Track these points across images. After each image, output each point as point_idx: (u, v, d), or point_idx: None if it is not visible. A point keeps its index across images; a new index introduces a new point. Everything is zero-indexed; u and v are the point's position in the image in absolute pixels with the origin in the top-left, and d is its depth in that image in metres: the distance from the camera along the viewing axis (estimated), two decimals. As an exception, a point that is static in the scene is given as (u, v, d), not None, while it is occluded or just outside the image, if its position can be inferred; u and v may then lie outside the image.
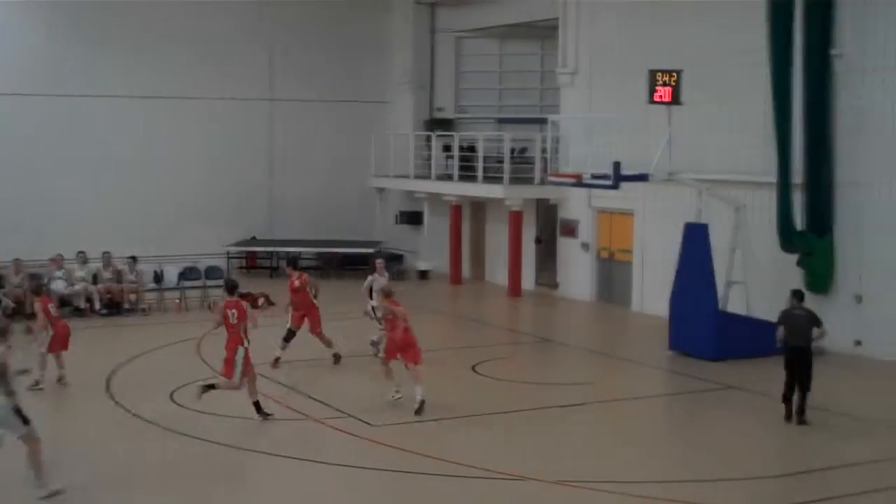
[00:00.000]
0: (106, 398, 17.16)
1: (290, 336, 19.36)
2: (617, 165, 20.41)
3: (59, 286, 24.61)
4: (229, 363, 15.57)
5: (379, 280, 19.58)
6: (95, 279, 25.22)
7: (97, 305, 24.91)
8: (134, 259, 25.78)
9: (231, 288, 16.16)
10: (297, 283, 19.48)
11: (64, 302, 24.58)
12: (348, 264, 31.21)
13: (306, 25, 33.29)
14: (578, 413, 16.61)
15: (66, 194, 29.70)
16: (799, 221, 21.23)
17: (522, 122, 32.18)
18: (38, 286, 19.01)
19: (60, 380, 17.94)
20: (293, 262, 20.50)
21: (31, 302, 18.38)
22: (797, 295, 16.24)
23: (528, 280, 29.00)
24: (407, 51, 34.02)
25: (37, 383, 17.33)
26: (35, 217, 28.91)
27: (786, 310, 16.14)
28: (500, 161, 29.39)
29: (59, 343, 17.93)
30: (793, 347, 15.86)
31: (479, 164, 29.35)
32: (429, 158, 31.88)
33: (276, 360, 19.11)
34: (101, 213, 29.90)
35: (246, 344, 15.58)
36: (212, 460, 14.15)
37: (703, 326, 20.21)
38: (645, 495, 12.58)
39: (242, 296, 16.31)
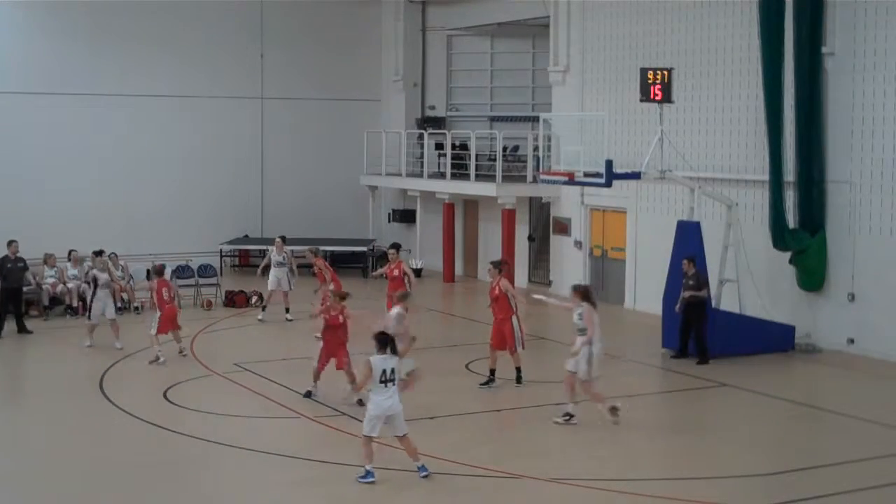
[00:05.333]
0: (100, 397, 17.14)
1: None
2: (609, 163, 20.46)
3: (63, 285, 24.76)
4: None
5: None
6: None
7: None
8: (115, 255, 25.27)
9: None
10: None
11: (56, 300, 24.59)
12: (341, 262, 31.12)
13: (298, 24, 33.24)
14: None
15: (57, 193, 29.60)
16: (791, 219, 21.26)
17: (514, 120, 32.24)
18: (160, 268, 20.33)
19: (181, 352, 19.82)
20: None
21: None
22: None
23: (521, 278, 29.00)
24: (398, 49, 33.98)
25: (157, 359, 19.23)
26: (27, 215, 28.73)
27: None
28: (493, 159, 29.41)
29: (166, 325, 19.54)
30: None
31: (472, 163, 29.36)
32: (421, 157, 31.86)
33: None
34: (92, 211, 29.80)
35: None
36: (205, 459, 14.16)
37: (695, 324, 20.21)
38: (640, 493, 12.61)
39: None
